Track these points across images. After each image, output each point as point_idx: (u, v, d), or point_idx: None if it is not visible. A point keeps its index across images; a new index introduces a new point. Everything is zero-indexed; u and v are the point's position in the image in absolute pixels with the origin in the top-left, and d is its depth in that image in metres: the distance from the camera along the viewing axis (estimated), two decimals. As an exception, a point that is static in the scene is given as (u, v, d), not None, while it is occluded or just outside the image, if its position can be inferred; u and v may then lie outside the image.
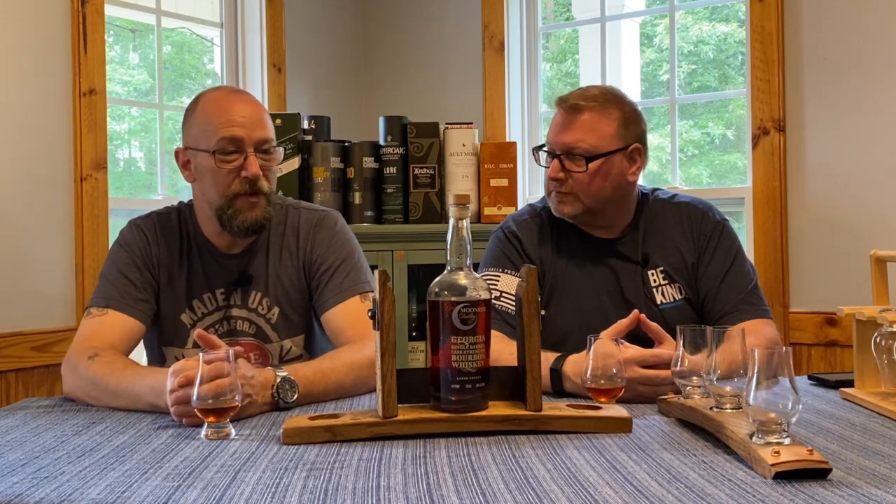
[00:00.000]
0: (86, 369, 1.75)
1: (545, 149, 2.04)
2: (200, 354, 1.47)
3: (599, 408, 1.48)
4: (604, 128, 1.98)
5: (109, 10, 2.94)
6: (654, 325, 1.75)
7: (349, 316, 1.92)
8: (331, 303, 1.95)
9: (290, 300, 1.99)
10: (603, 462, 1.25)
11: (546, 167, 2.02)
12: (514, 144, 3.12)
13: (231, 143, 1.87)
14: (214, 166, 1.88)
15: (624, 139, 2.00)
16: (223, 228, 1.93)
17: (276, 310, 1.98)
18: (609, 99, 2.02)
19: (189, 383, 1.46)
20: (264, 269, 1.98)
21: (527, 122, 3.58)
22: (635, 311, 1.76)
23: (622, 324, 1.74)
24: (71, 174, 2.77)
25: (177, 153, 1.98)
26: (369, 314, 1.42)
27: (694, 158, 3.65)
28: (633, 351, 1.67)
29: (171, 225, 2.01)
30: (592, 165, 1.96)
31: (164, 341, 2.00)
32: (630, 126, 2.01)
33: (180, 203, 2.06)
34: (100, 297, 1.92)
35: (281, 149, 1.97)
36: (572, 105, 1.99)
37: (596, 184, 1.97)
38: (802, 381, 1.87)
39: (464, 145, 3.06)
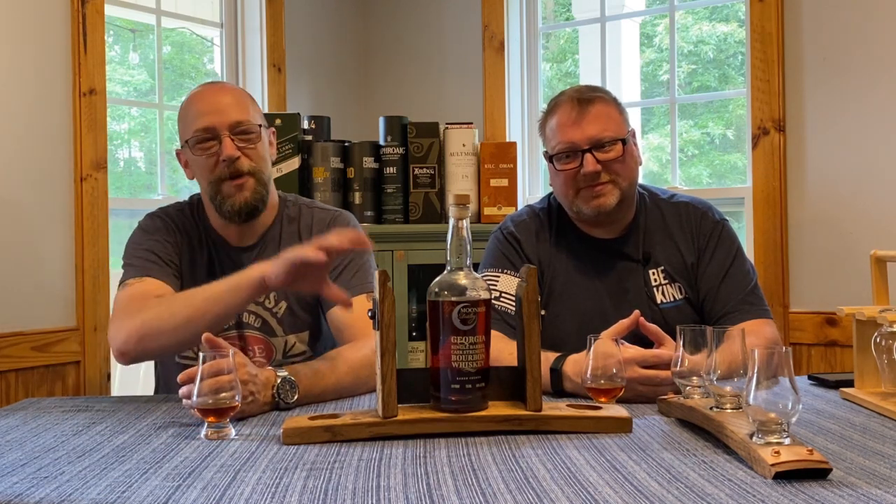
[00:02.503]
0: (158, 304, 1.77)
1: (560, 150, 1.98)
2: (201, 355, 1.47)
3: (599, 408, 1.48)
4: (614, 114, 2.00)
5: (109, 10, 2.94)
6: (652, 326, 1.75)
7: (354, 313, 1.92)
8: None
9: (299, 296, 2.00)
10: (603, 462, 1.25)
11: (568, 169, 1.97)
12: (514, 144, 3.11)
13: (205, 131, 1.90)
14: (194, 156, 1.93)
15: (627, 124, 2.03)
16: (220, 216, 1.95)
17: (283, 304, 1.99)
18: (600, 90, 2.05)
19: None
20: None
21: (527, 122, 3.58)
22: (636, 312, 1.76)
23: (623, 324, 1.74)
24: (71, 174, 2.77)
25: (177, 154, 2.03)
26: (369, 314, 1.42)
27: (694, 158, 3.65)
28: (633, 351, 1.67)
29: (185, 219, 2.03)
30: (627, 147, 1.98)
31: None
32: (624, 113, 2.04)
33: (191, 197, 2.08)
34: (137, 268, 1.90)
35: (265, 131, 1.98)
36: (583, 99, 1.98)
37: (629, 165, 1.99)
38: (802, 381, 1.87)
39: (464, 145, 3.06)
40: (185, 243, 2.00)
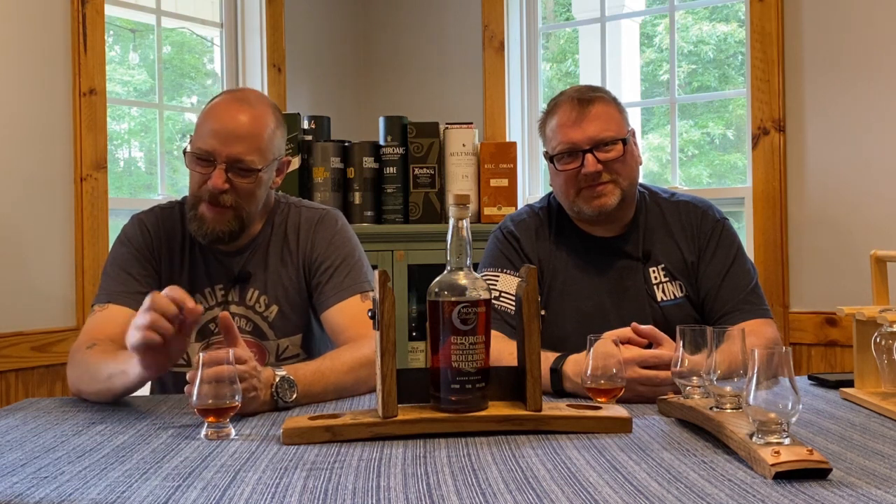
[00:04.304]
0: (82, 358, 1.77)
1: (561, 150, 1.98)
2: (200, 354, 1.47)
3: (599, 408, 1.48)
4: (614, 114, 2.00)
5: (109, 10, 2.94)
6: (646, 327, 1.73)
7: (349, 315, 1.92)
8: (331, 301, 1.95)
9: (289, 299, 1.99)
10: (603, 462, 1.25)
11: (568, 169, 1.97)
12: (514, 144, 3.11)
13: (204, 153, 1.87)
14: (189, 167, 1.91)
15: (627, 123, 2.03)
16: (189, 227, 1.94)
17: (274, 308, 1.98)
18: (600, 90, 2.05)
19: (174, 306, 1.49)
20: (263, 267, 1.99)
21: (527, 122, 3.58)
22: (633, 324, 1.74)
23: (625, 333, 1.72)
24: (71, 174, 2.77)
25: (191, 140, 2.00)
26: (369, 314, 1.42)
27: (694, 158, 3.65)
28: (634, 351, 1.67)
29: (174, 219, 2.02)
30: (627, 147, 1.98)
31: None
32: (623, 112, 2.04)
33: (184, 198, 2.07)
34: (102, 293, 1.93)
35: (266, 171, 1.90)
36: (583, 99, 1.98)
37: (630, 165, 1.99)
38: (802, 381, 1.87)
39: (464, 145, 3.06)
40: (165, 247, 1.99)
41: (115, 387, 1.69)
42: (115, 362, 1.69)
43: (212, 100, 1.97)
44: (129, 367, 1.64)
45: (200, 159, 1.88)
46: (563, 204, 2.04)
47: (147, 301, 1.55)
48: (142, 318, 1.54)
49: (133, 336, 1.55)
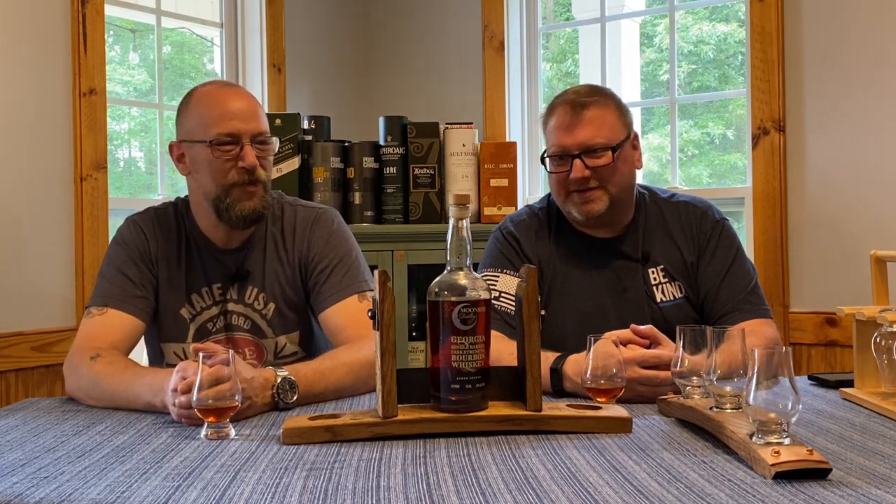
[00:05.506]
0: (87, 370, 1.76)
1: (553, 153, 1.99)
2: (200, 356, 1.47)
3: (599, 408, 1.48)
4: (610, 119, 1.99)
5: (109, 10, 2.94)
6: (644, 327, 1.73)
7: (347, 315, 1.92)
8: (329, 301, 1.95)
9: (286, 297, 1.99)
10: (603, 462, 1.25)
11: (559, 172, 1.98)
12: (514, 144, 3.12)
13: (229, 136, 1.88)
14: (211, 157, 1.89)
15: (626, 127, 2.02)
16: (220, 219, 1.93)
17: (271, 306, 1.99)
18: (601, 92, 2.04)
19: (190, 390, 1.47)
20: (261, 265, 1.99)
21: (527, 122, 3.58)
22: (631, 327, 1.75)
23: (625, 335, 1.73)
24: (71, 174, 2.77)
25: (171, 147, 1.99)
26: (369, 314, 1.42)
27: (694, 158, 3.65)
28: (634, 351, 1.67)
29: (169, 220, 2.02)
30: (617, 154, 1.96)
31: (163, 337, 2.00)
32: (625, 115, 2.03)
33: (177, 199, 2.06)
34: (99, 296, 1.93)
35: (275, 140, 1.99)
36: (578, 103, 1.98)
37: (620, 172, 1.98)
38: (802, 381, 1.87)
39: (464, 145, 3.06)
40: (162, 248, 1.98)
41: (121, 406, 1.70)
42: (125, 385, 1.69)
43: (191, 94, 1.96)
44: (140, 393, 1.65)
45: (225, 144, 1.89)
46: (557, 204, 2.05)
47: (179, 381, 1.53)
48: (178, 399, 1.53)
49: (172, 413, 1.55)
